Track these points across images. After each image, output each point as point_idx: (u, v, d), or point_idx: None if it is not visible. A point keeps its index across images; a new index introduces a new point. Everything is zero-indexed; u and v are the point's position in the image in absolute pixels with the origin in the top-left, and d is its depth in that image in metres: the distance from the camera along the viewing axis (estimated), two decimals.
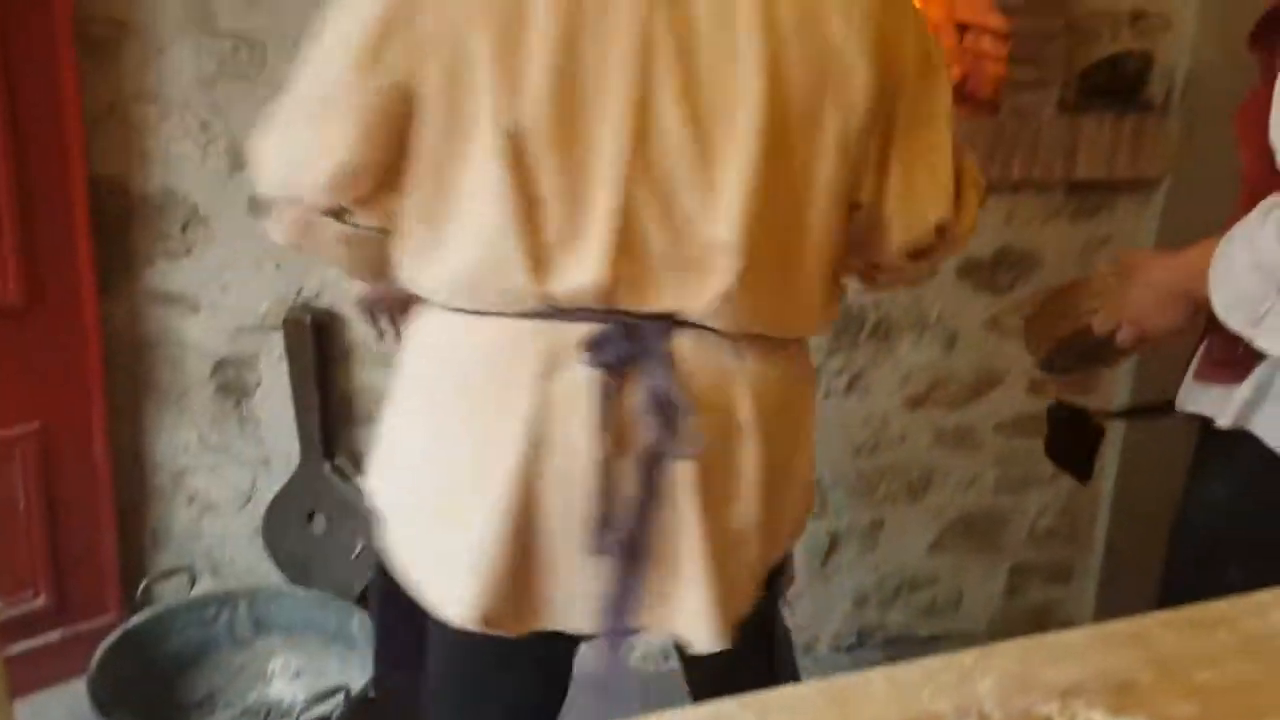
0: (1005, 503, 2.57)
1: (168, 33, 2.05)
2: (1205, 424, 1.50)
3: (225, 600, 2.23)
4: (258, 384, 2.27)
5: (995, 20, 2.19)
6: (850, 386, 2.43)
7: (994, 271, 2.38)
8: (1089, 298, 1.58)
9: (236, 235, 2.17)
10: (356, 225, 1.26)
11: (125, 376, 2.22)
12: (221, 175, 2.13)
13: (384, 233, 1.27)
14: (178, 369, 2.24)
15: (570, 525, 1.27)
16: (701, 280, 1.24)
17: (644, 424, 1.24)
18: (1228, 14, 2.20)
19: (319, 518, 2.31)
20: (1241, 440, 1.44)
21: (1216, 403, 1.47)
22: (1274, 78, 1.34)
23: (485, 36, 1.15)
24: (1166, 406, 1.61)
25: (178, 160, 2.12)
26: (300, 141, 1.24)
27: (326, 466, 2.27)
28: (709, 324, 1.27)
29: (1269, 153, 1.34)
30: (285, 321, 2.21)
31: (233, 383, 2.27)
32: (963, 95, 2.18)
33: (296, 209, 1.27)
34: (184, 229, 2.16)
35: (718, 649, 1.32)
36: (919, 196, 1.31)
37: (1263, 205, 1.33)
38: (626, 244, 1.21)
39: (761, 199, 1.21)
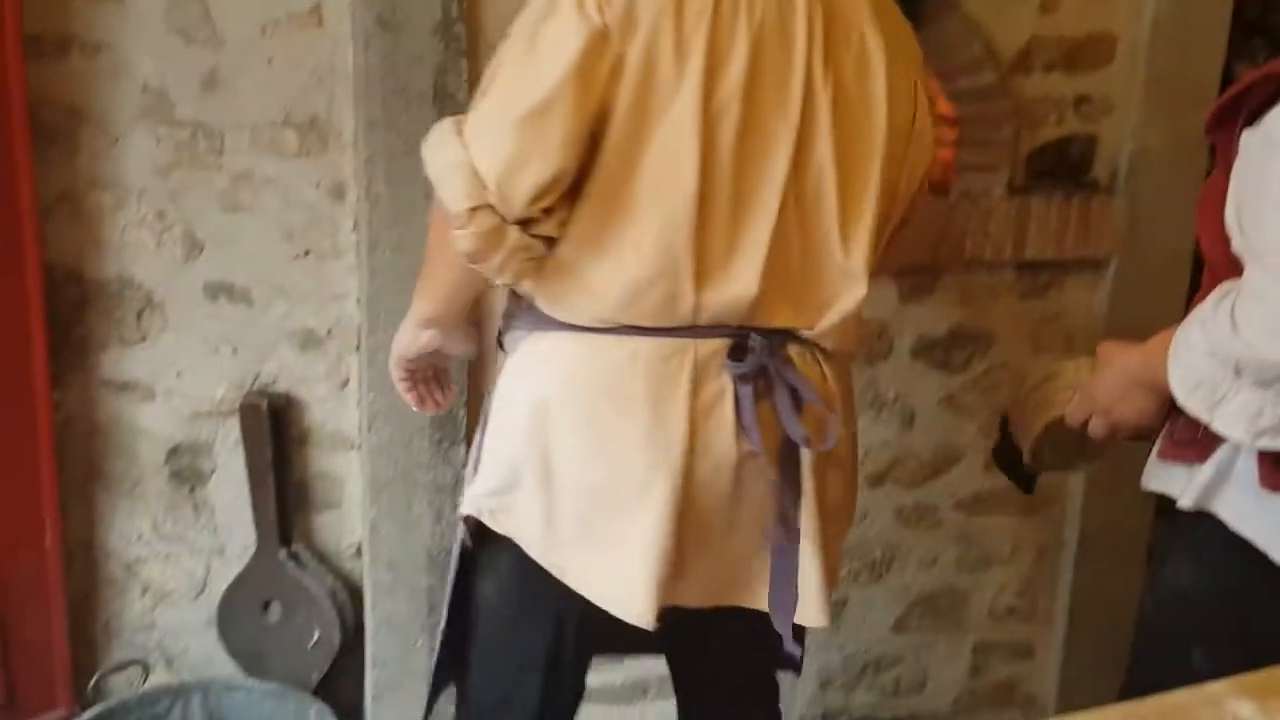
0: (967, 581, 2.57)
1: (124, 121, 2.06)
2: (1169, 502, 1.51)
3: (179, 693, 2.18)
4: (213, 471, 2.25)
5: (945, 106, 2.23)
6: None
7: (948, 350, 2.40)
8: (1063, 390, 1.60)
9: (192, 321, 2.16)
10: (535, 236, 1.36)
11: (77, 464, 2.19)
12: (177, 262, 2.13)
13: (550, 244, 1.38)
14: (131, 456, 2.21)
15: (719, 519, 1.44)
16: (826, 303, 1.44)
17: (787, 424, 1.41)
18: (1169, 98, 2.27)
19: (275, 606, 2.27)
20: (1204, 521, 1.45)
21: (1179, 482, 1.49)
22: (1231, 163, 1.37)
23: (691, 59, 1.31)
24: None
25: (133, 247, 2.12)
26: (513, 150, 1.32)
27: (283, 554, 2.24)
28: (818, 340, 1.46)
29: (1225, 240, 1.37)
30: (241, 407, 2.19)
31: (187, 470, 2.24)
32: None
33: (493, 218, 1.34)
34: (139, 316, 2.15)
35: (824, 624, 1.51)
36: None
37: (1216, 292, 1.36)
38: (772, 263, 1.38)
39: (878, 236, 1.43)
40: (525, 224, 1.36)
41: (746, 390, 1.40)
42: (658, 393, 1.39)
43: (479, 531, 1.55)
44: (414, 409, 1.74)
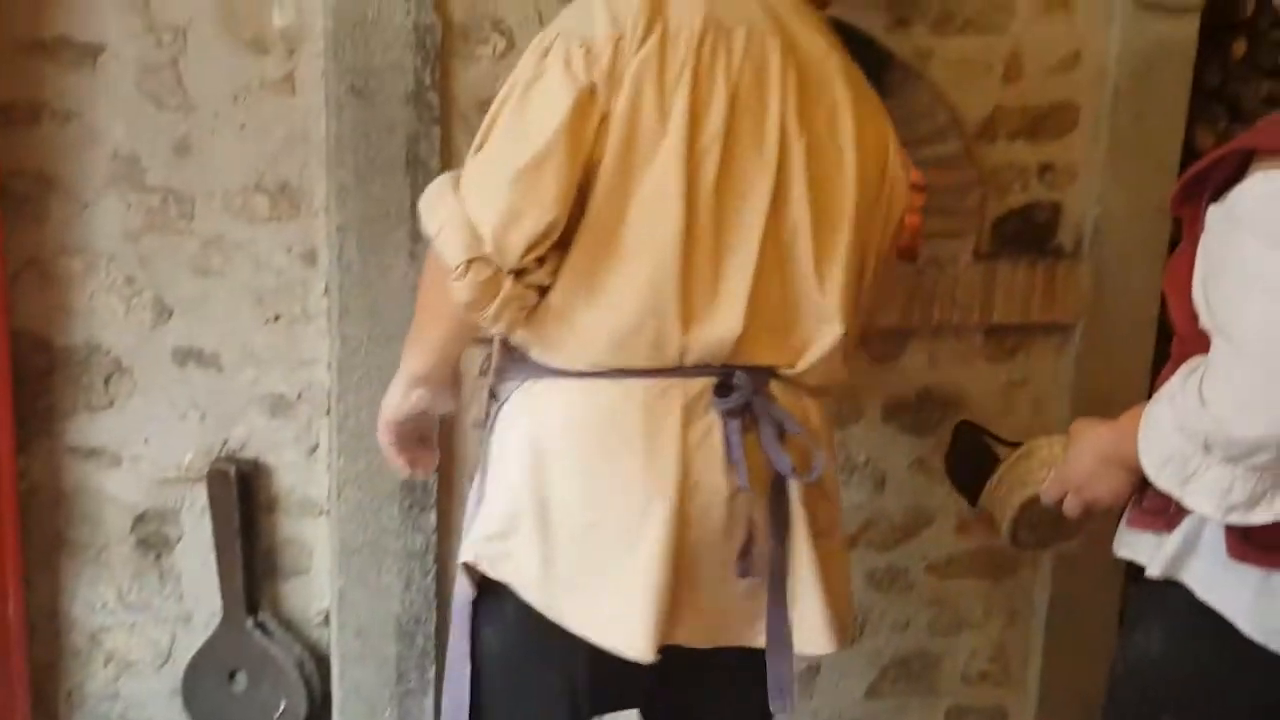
0: (939, 645, 2.56)
1: (95, 187, 2.07)
2: (1139, 569, 1.52)
3: None
4: (179, 538, 2.23)
5: (912, 174, 2.26)
6: None
7: (918, 413, 2.41)
8: (1037, 468, 1.61)
9: (160, 387, 2.15)
10: (529, 285, 1.43)
11: (42, 532, 2.16)
12: (145, 327, 2.12)
13: (543, 292, 1.45)
14: (96, 524, 2.19)
15: (713, 555, 1.48)
16: (806, 341, 1.50)
17: (773, 456, 1.46)
18: (1132, 165, 2.30)
19: (241, 676, 2.24)
20: (1172, 589, 1.46)
21: (1148, 551, 1.49)
22: (1198, 237, 1.39)
23: (673, 112, 1.39)
24: None
25: (102, 313, 2.11)
26: (508, 204, 1.39)
27: (249, 622, 2.22)
28: (800, 378, 1.51)
29: (1193, 314, 1.39)
30: (209, 473, 2.17)
31: (153, 537, 2.22)
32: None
33: (489, 269, 1.40)
34: (107, 382, 2.14)
35: (839, 649, 1.55)
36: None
37: (1184, 367, 1.37)
38: (754, 304, 1.45)
39: (853, 278, 1.51)
40: (519, 274, 1.42)
41: (734, 426, 1.46)
42: (650, 431, 1.45)
43: (480, 581, 1.55)
44: (403, 474, 1.74)
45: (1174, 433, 1.33)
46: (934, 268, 2.26)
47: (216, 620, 2.23)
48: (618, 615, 1.45)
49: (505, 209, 1.39)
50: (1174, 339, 1.50)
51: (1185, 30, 2.27)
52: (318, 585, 2.28)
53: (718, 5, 1.44)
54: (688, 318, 1.44)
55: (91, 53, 2.02)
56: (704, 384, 1.46)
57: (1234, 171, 1.35)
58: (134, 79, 2.04)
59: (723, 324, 1.45)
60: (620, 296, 1.43)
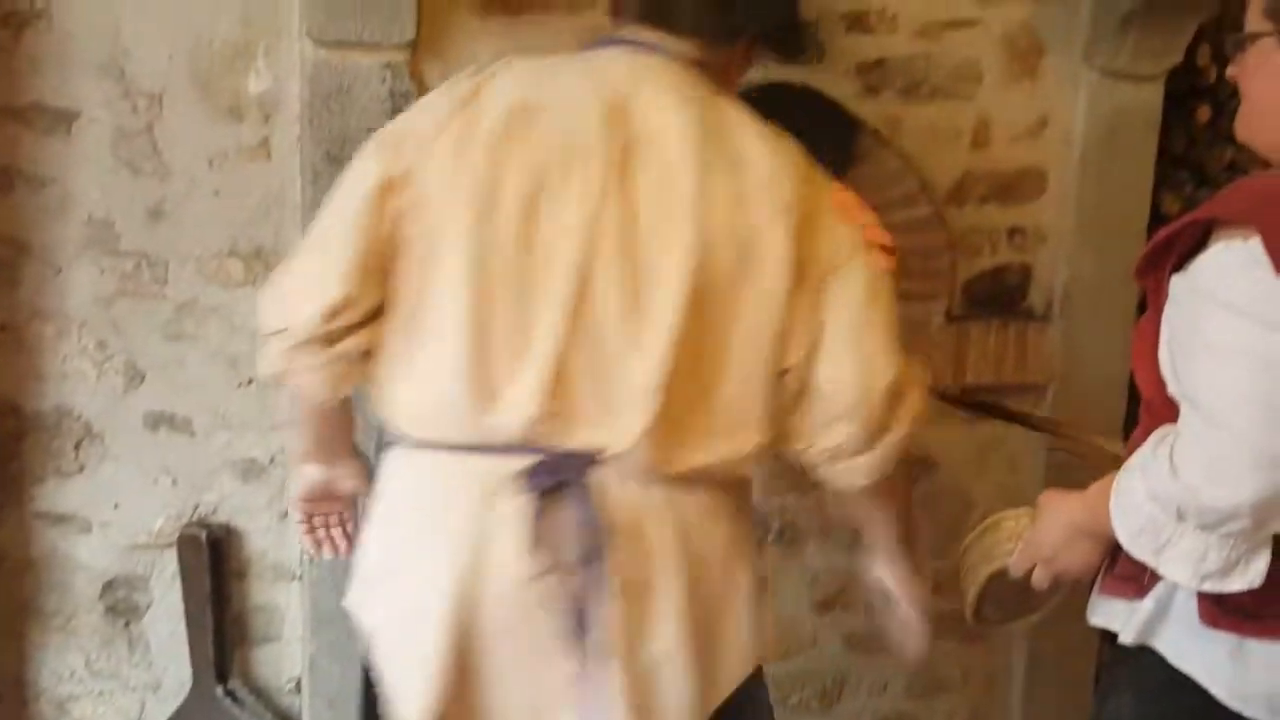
0: (918, 708, 2.55)
1: (68, 252, 2.06)
2: (1113, 636, 1.51)
3: None
4: (149, 605, 2.20)
5: (881, 236, 2.28)
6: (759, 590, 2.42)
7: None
8: (1003, 541, 1.60)
9: (131, 452, 2.14)
10: (345, 352, 1.45)
11: (9, 600, 2.14)
12: (117, 392, 2.11)
13: (367, 356, 1.47)
14: (65, 591, 2.17)
15: (509, 641, 1.44)
16: (623, 422, 1.41)
17: (569, 548, 1.40)
18: (1100, 228, 2.34)
19: None
20: (1146, 655, 1.46)
21: (1120, 617, 1.49)
22: (1162, 306, 1.40)
23: (464, 197, 1.40)
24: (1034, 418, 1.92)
25: (73, 378, 2.10)
26: (298, 278, 1.48)
27: (219, 690, 2.19)
28: (631, 462, 1.43)
29: (1161, 383, 1.40)
30: (180, 539, 2.16)
31: (122, 604, 2.20)
32: None
33: (286, 340, 1.45)
34: (77, 447, 2.13)
35: None
36: (851, 366, 1.48)
37: (1154, 436, 1.37)
38: (559, 387, 1.40)
39: (679, 358, 1.41)
40: (328, 342, 1.45)
41: (543, 508, 1.41)
42: (448, 507, 1.45)
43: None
44: (311, 553, 1.79)
45: (1147, 502, 1.33)
46: (906, 329, 2.26)
47: (186, 688, 2.20)
48: (409, 687, 1.48)
49: (299, 284, 1.48)
50: (1141, 405, 1.52)
51: (1150, 97, 2.31)
52: (289, 652, 2.25)
53: (533, 87, 1.46)
54: (488, 397, 1.41)
55: (67, 119, 2.03)
56: (515, 464, 1.42)
57: (1196, 241, 1.36)
58: (109, 145, 2.04)
59: (522, 405, 1.41)
60: (425, 373, 1.44)
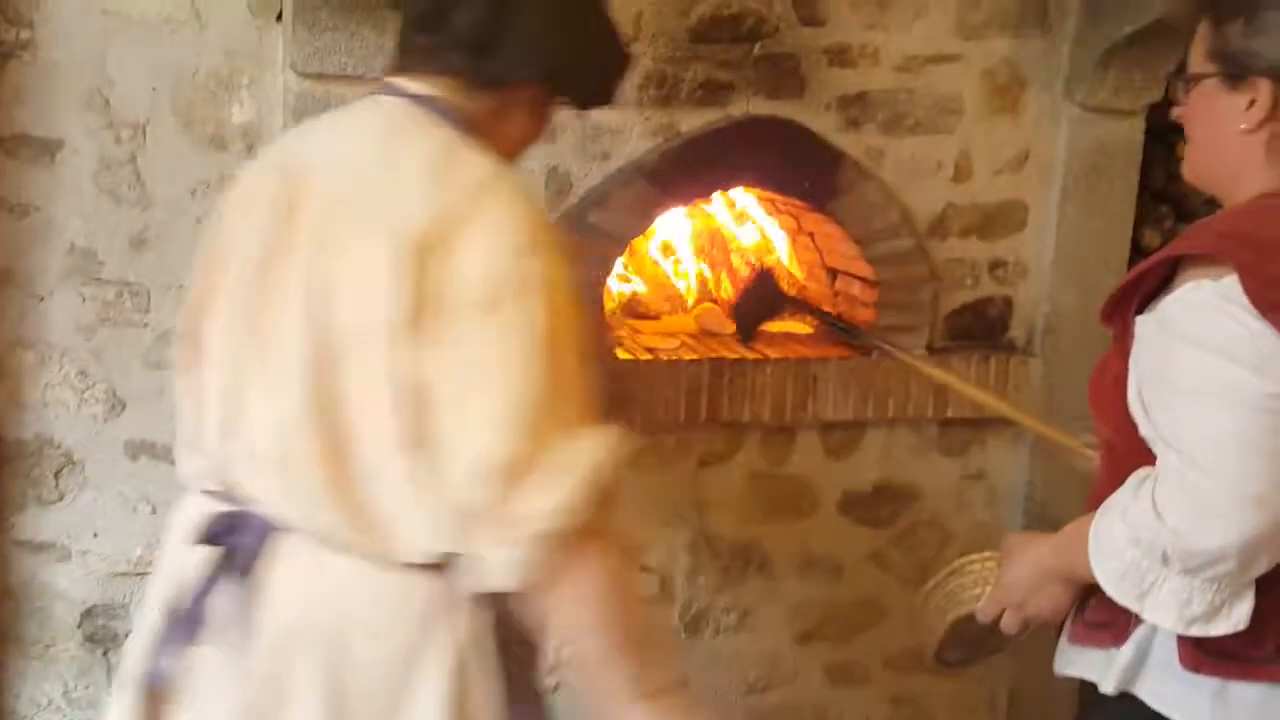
0: None
1: (50, 280, 2.07)
2: (1089, 685, 1.49)
3: None
4: (128, 633, 2.19)
5: (862, 268, 2.29)
6: (740, 623, 2.42)
7: (874, 505, 2.41)
8: (971, 585, 1.58)
9: (111, 480, 2.14)
10: None
11: None
12: (97, 421, 2.11)
13: None
14: (44, 619, 2.16)
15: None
16: (264, 483, 1.34)
17: (221, 607, 1.34)
18: (1080, 262, 2.35)
19: None
20: (1125, 701, 1.43)
21: (1097, 666, 1.46)
22: (1127, 350, 1.38)
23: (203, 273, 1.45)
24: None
25: (54, 406, 2.10)
26: None
27: None
28: (294, 526, 1.33)
29: (1126, 425, 1.38)
30: None
31: (101, 632, 2.19)
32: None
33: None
34: (57, 475, 2.12)
35: None
36: (464, 433, 1.24)
37: (1133, 479, 1.34)
38: (227, 439, 1.36)
39: (297, 424, 1.29)
40: None
41: (213, 562, 1.35)
42: (170, 547, 1.45)
43: None
44: None
45: (1129, 546, 1.31)
46: (889, 360, 2.29)
47: None
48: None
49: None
50: (1103, 447, 1.50)
51: (1131, 132, 2.33)
52: None
53: (281, 153, 1.47)
54: (197, 443, 1.41)
55: (50, 149, 2.04)
56: (210, 513, 1.36)
57: (1161, 282, 1.36)
58: (92, 174, 2.05)
59: (197, 458, 1.41)
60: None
